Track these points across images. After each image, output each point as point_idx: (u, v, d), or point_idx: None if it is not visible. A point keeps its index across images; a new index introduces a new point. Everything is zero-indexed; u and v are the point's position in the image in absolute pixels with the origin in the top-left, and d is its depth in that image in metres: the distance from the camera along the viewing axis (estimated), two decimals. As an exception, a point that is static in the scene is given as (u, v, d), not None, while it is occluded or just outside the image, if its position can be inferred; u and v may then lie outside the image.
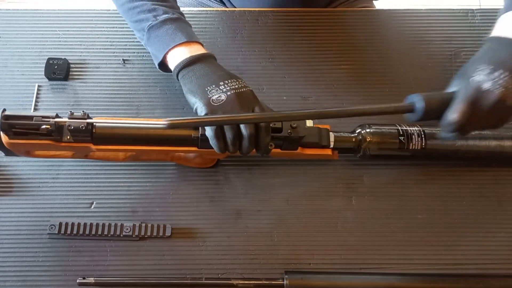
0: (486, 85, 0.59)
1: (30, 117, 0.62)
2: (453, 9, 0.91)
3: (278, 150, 0.70)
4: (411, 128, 0.73)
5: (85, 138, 0.65)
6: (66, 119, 0.62)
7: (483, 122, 0.62)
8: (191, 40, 0.71)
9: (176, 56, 0.70)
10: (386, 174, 0.78)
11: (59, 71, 0.83)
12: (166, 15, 0.71)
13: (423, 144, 0.72)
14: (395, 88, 0.84)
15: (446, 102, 0.62)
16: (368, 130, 0.73)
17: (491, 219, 0.75)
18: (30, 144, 0.64)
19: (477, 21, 0.90)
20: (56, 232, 0.72)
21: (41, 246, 0.72)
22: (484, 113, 0.60)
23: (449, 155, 0.75)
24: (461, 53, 0.87)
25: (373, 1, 1.07)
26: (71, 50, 0.86)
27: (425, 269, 0.72)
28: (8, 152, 0.70)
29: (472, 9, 0.91)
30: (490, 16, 0.90)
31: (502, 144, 0.74)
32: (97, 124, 0.65)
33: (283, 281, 0.68)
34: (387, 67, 0.86)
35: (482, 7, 0.91)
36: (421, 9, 0.91)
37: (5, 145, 0.65)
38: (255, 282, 0.69)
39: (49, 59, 0.84)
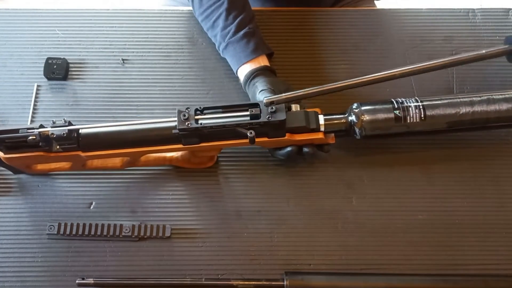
0: None
1: (16, 130, 0.64)
2: (454, 9, 0.91)
3: (266, 139, 0.69)
4: (408, 100, 0.70)
5: (71, 146, 0.66)
6: (49, 128, 0.64)
7: None
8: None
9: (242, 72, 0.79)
10: (387, 174, 0.78)
11: (58, 70, 0.83)
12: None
13: (422, 115, 0.69)
14: (396, 88, 0.83)
15: None
16: (360, 108, 0.70)
17: (492, 219, 0.75)
18: (25, 157, 0.66)
19: (478, 21, 0.89)
20: (55, 233, 0.72)
21: (40, 247, 0.72)
22: None
23: (453, 126, 0.71)
24: (462, 53, 0.86)
25: (375, 1, 1.06)
26: (70, 49, 0.86)
27: (425, 270, 0.72)
28: (15, 171, 0.73)
29: (473, 9, 0.91)
30: (491, 16, 0.90)
31: None
32: (82, 130, 0.66)
33: (283, 281, 0.68)
34: (388, 67, 0.85)
35: (483, 7, 0.91)
36: (422, 9, 0.91)
37: (3, 160, 0.67)
38: (255, 282, 0.69)
39: (48, 58, 0.83)
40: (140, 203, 0.75)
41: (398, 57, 0.86)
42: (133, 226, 0.72)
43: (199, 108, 0.65)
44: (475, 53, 0.58)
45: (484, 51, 0.57)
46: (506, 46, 0.57)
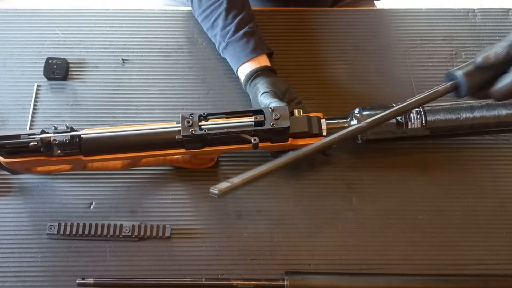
0: None
1: (17, 136, 0.63)
2: (454, 9, 0.91)
3: (269, 144, 0.69)
4: None
5: (73, 150, 0.66)
6: (51, 134, 0.64)
7: None
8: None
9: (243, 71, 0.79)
10: (387, 174, 0.78)
11: (58, 70, 0.83)
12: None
13: (423, 121, 0.70)
14: (396, 88, 0.83)
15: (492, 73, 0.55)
16: (362, 113, 0.71)
17: (492, 220, 0.75)
18: (26, 161, 0.66)
19: (478, 21, 0.89)
20: (55, 233, 0.72)
21: (40, 247, 0.72)
22: None
23: (453, 131, 0.72)
24: (461, 53, 0.87)
25: (375, 1, 1.06)
26: (70, 49, 0.86)
27: (425, 270, 0.72)
28: (14, 172, 0.73)
29: (473, 9, 0.91)
30: (491, 16, 0.90)
31: None
32: (83, 135, 0.66)
33: (283, 281, 0.68)
34: (388, 67, 0.86)
35: (483, 7, 0.91)
36: (422, 9, 0.91)
37: (3, 164, 0.67)
38: (255, 282, 0.69)
39: (48, 58, 0.83)
40: (140, 203, 0.75)
41: (398, 57, 0.86)
42: (133, 226, 0.72)
43: (202, 114, 0.65)
44: (418, 97, 0.58)
45: (429, 92, 0.58)
46: (450, 83, 0.56)
